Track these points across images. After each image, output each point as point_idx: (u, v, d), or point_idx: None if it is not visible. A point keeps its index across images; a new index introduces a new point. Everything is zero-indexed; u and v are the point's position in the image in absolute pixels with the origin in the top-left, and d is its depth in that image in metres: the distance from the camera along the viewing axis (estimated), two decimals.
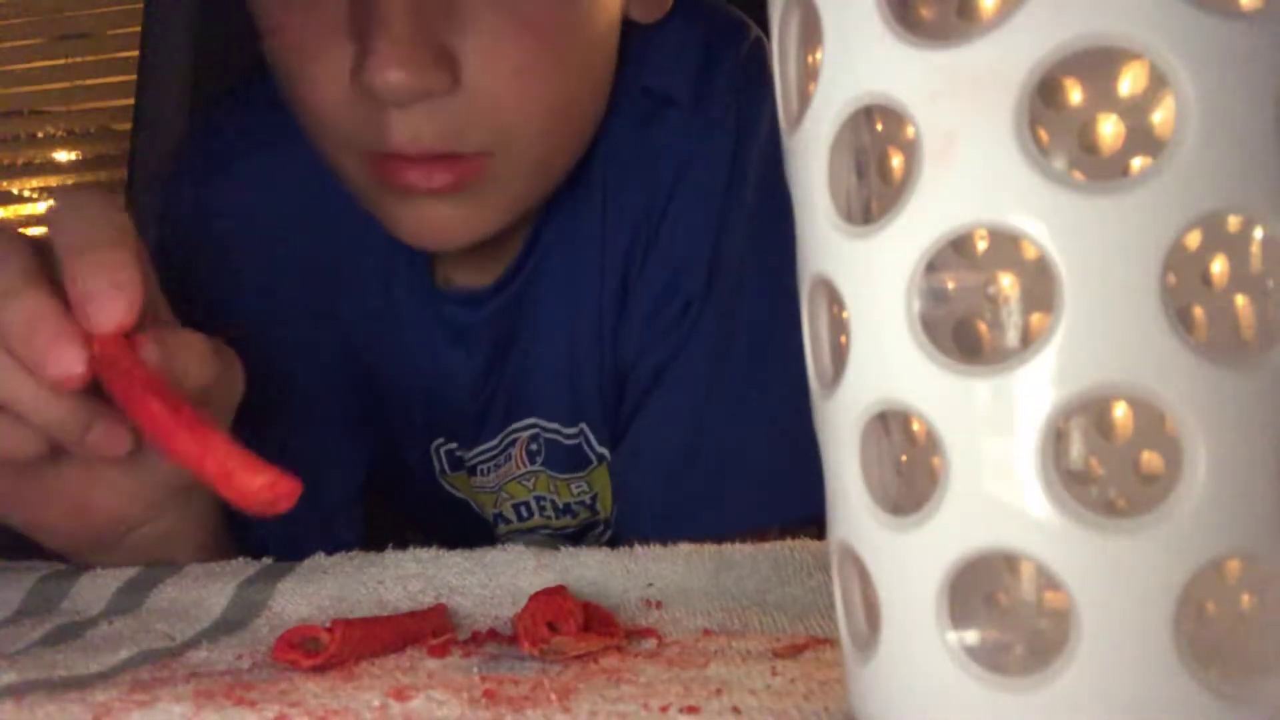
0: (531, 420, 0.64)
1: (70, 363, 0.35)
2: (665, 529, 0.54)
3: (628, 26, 0.56)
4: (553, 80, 0.49)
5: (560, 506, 0.67)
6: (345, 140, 0.50)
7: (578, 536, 0.70)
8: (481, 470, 0.67)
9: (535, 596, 0.35)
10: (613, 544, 0.42)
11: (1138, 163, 0.24)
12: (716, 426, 0.58)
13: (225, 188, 0.62)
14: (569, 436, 0.64)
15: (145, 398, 0.34)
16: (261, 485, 0.31)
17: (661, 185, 0.57)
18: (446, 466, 0.68)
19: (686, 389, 0.58)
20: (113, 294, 0.36)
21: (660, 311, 0.58)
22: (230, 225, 0.61)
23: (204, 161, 0.63)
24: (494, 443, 0.65)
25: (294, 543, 0.43)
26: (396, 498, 0.70)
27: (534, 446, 0.65)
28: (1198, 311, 0.23)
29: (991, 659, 0.21)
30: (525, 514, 0.68)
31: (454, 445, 0.67)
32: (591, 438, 0.64)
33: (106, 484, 0.42)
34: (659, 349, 0.58)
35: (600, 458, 0.64)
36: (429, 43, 0.45)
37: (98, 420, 0.38)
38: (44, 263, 0.38)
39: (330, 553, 0.42)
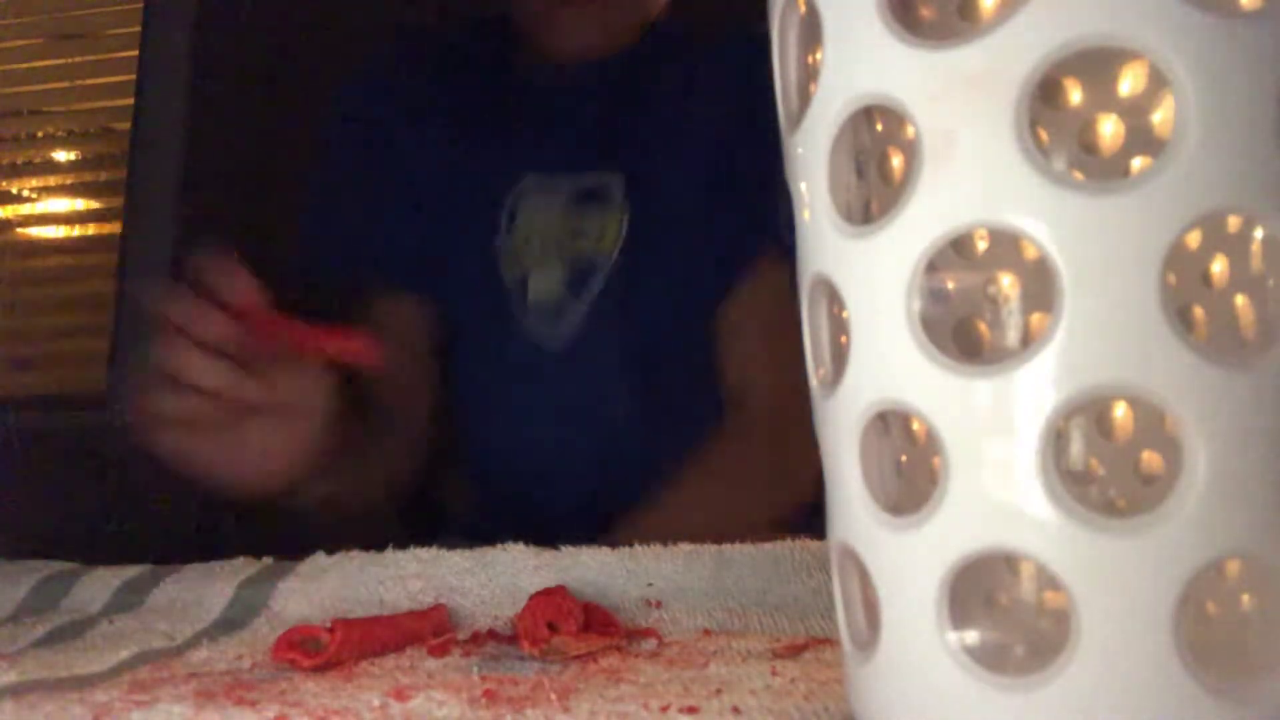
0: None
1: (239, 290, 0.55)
2: None
3: None
4: None
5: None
6: None
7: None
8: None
9: (535, 596, 0.35)
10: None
11: (1138, 163, 0.24)
12: None
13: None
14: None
15: (283, 323, 0.55)
16: (359, 345, 0.55)
17: None
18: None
19: None
20: (238, 280, 0.55)
21: None
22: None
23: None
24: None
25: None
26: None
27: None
28: (1198, 311, 0.23)
29: (991, 659, 0.21)
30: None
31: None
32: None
33: (277, 437, 0.60)
34: None
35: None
36: None
37: (246, 379, 0.57)
38: None
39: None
